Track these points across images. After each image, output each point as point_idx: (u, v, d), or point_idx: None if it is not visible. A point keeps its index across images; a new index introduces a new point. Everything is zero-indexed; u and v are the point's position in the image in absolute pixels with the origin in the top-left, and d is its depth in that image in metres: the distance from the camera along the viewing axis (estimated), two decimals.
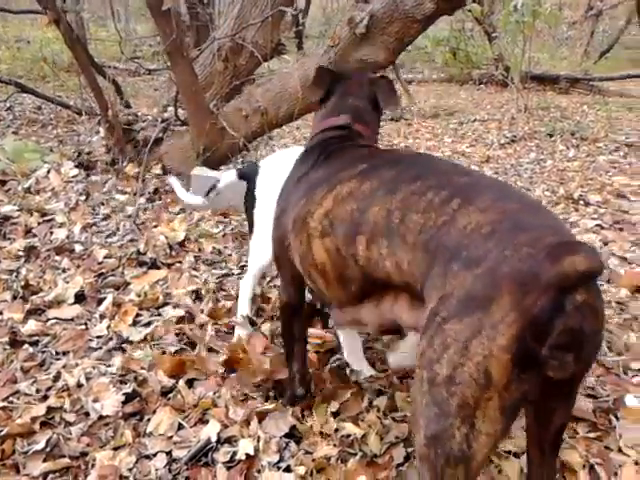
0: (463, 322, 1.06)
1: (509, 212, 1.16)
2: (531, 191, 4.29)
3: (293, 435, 1.78)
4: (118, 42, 6.63)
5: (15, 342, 2.20)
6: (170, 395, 1.95)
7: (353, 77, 1.91)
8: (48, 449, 1.70)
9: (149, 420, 1.84)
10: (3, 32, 10.55)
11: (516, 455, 1.66)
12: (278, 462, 1.69)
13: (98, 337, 2.25)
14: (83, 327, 2.32)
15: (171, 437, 1.78)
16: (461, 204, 1.20)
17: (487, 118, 7.77)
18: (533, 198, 1.44)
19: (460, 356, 1.06)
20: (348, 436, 1.78)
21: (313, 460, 1.69)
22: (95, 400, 1.90)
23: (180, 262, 2.80)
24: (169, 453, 1.72)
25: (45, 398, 1.92)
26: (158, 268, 2.73)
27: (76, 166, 3.62)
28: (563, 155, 5.52)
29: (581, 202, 3.91)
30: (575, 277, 1.01)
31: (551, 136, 6.26)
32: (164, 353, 2.14)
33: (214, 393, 1.96)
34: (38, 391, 1.96)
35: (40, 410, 1.83)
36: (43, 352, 2.17)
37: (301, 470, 1.65)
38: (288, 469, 1.67)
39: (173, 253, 2.86)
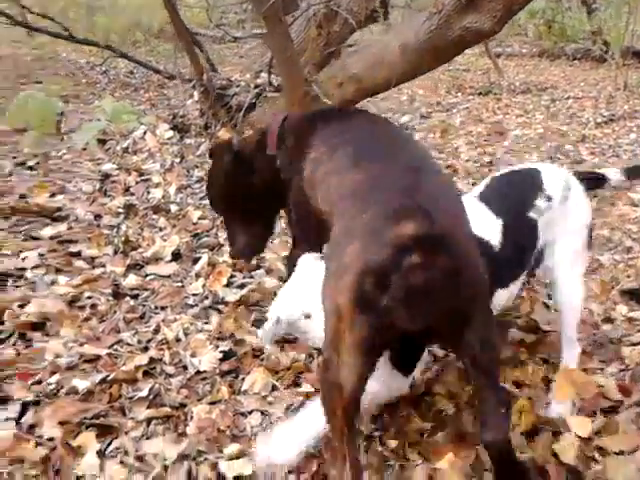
0: (329, 264, 1.32)
1: (374, 174, 1.37)
2: None
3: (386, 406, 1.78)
4: (205, 9, 6.71)
5: (118, 294, 2.31)
6: (264, 356, 1.99)
7: None
8: (151, 397, 1.79)
9: (244, 379, 1.89)
10: None
11: None
12: (371, 433, 1.69)
13: (194, 295, 2.32)
14: (179, 284, 2.39)
15: (265, 397, 1.82)
16: (350, 164, 1.46)
17: (582, 95, 7.37)
18: (431, 163, 1.54)
19: (327, 292, 1.29)
20: (441, 412, 1.77)
21: (405, 433, 1.69)
22: (193, 355, 1.97)
23: None
24: (264, 412, 1.76)
25: (146, 349, 2.01)
26: None
27: (171, 128, 3.72)
28: None
29: None
30: (407, 240, 1.16)
31: None
32: None
33: (307, 357, 1.98)
34: (139, 342, 2.05)
35: (143, 360, 1.92)
36: (143, 305, 2.27)
37: (393, 444, 1.65)
38: (381, 440, 1.67)
39: None
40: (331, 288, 1.28)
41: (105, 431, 1.67)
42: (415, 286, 1.15)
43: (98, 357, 1.97)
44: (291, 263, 1.86)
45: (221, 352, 1.96)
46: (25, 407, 1.73)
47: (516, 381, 1.91)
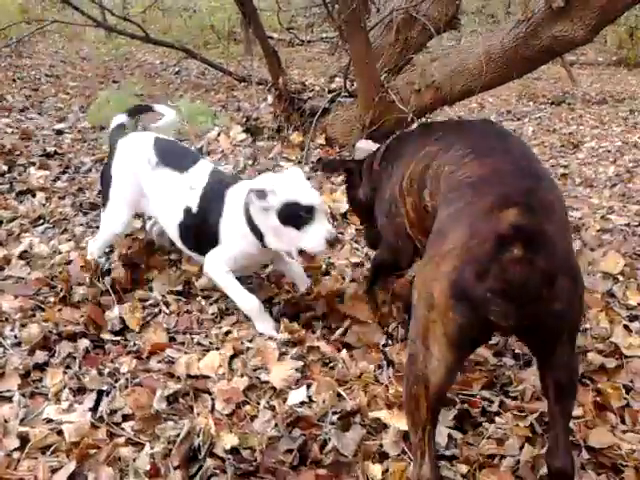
0: (428, 253, 1.33)
1: (498, 170, 1.36)
2: None
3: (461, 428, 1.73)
4: (276, 12, 6.77)
5: (189, 294, 2.34)
6: (333, 365, 1.97)
7: None
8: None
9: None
10: (174, 2, 11.21)
11: None
12: (442, 453, 1.64)
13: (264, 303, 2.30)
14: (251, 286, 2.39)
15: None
16: (472, 159, 1.45)
17: None
18: (538, 166, 1.48)
19: (421, 279, 1.31)
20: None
21: (477, 454, 1.63)
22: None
23: (342, 233, 2.81)
24: None
25: (217, 349, 2.02)
26: None
27: (244, 131, 3.76)
28: None
29: None
30: (508, 229, 1.15)
31: None
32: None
33: (376, 368, 1.95)
34: (211, 343, 2.06)
35: (215, 361, 1.94)
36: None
37: (463, 469, 1.59)
38: (451, 463, 1.61)
39: (335, 224, 2.87)
40: (426, 275, 1.27)
41: None
42: (512, 279, 1.14)
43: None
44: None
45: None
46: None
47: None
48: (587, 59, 10.72)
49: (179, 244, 2.34)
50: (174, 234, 2.32)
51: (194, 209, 2.21)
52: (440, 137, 1.72)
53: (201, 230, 2.21)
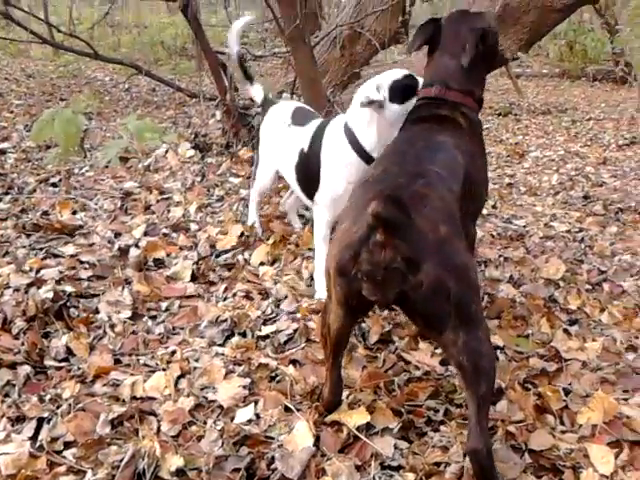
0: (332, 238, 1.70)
1: (386, 171, 1.66)
2: None
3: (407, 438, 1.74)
4: (227, 28, 6.78)
5: (136, 314, 2.30)
6: (279, 378, 1.96)
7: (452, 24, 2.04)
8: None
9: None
10: (124, 18, 11.11)
11: None
12: (388, 464, 1.65)
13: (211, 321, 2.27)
14: (199, 304, 2.37)
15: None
16: (377, 161, 1.83)
17: (603, 117, 7.35)
18: (425, 168, 1.66)
19: (326, 258, 1.62)
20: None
21: (422, 463, 1.65)
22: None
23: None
24: None
25: (164, 370, 1.99)
26: None
27: (192, 147, 3.74)
28: None
29: None
30: (371, 218, 1.33)
31: None
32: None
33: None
34: (157, 364, 2.03)
35: (160, 382, 1.91)
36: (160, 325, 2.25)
37: (410, 477, 1.60)
38: (397, 472, 1.63)
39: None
40: (327, 255, 1.61)
41: None
42: (377, 262, 1.36)
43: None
44: None
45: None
46: None
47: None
48: (533, 71, 11.11)
49: None
50: None
51: None
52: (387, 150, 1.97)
53: None
